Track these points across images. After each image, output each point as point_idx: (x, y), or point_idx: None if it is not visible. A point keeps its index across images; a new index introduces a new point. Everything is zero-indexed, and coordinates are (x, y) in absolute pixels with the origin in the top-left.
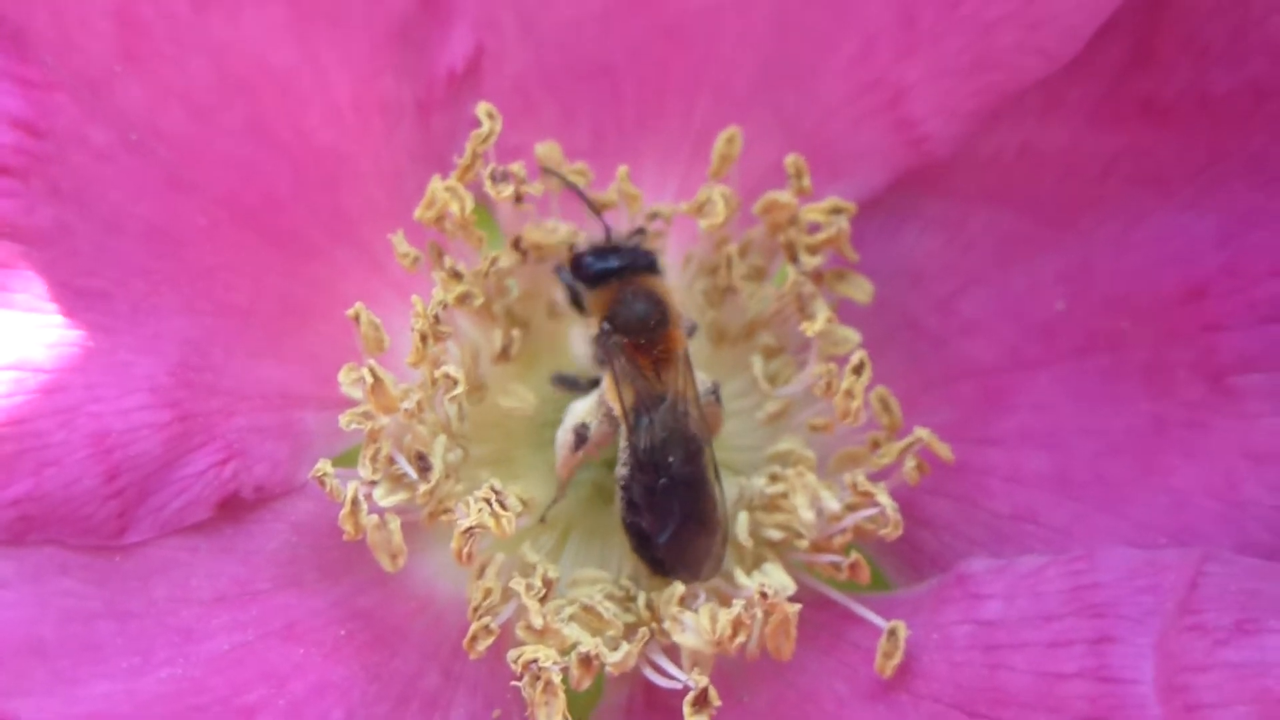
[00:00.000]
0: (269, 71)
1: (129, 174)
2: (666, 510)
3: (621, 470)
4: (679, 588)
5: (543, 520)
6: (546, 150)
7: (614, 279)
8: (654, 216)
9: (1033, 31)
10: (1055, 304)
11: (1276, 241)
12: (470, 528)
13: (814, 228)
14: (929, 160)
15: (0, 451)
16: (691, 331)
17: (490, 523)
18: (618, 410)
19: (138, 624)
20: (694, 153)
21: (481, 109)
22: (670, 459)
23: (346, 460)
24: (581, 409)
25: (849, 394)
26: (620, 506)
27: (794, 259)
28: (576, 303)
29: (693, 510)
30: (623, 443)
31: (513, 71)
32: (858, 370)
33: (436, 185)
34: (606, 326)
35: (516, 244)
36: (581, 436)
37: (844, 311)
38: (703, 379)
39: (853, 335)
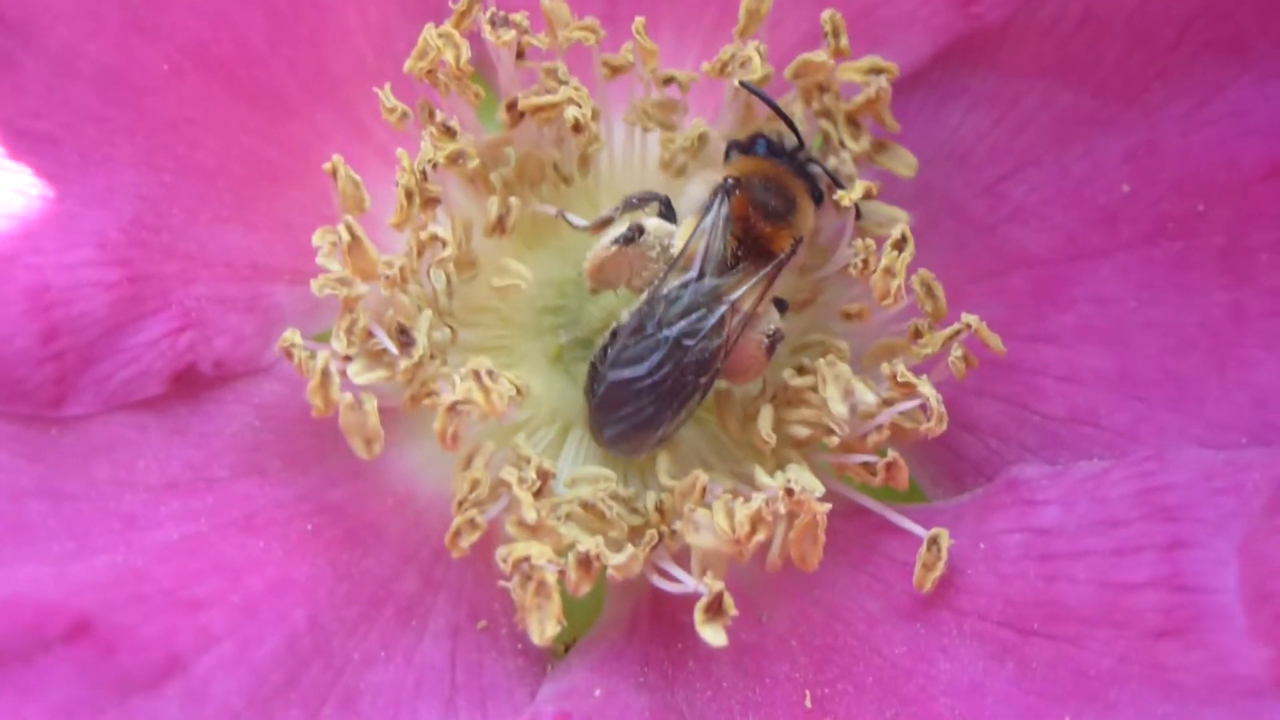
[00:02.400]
0: None
1: (84, 9)
2: (625, 382)
3: (625, 314)
4: (698, 481)
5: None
6: (553, 4)
7: (778, 161)
8: (669, 81)
9: None
10: (1120, 187)
11: None
12: (455, 403)
13: (851, 89)
14: (979, 27)
15: None
16: (782, 310)
17: (479, 397)
18: (678, 245)
19: (74, 506)
20: (718, 17)
21: None
22: (665, 333)
23: (320, 339)
24: (650, 221)
25: (889, 272)
26: (596, 348)
27: (828, 134)
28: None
29: (646, 406)
30: (647, 290)
31: None
32: (899, 245)
33: (430, 32)
34: (731, 181)
35: (513, 106)
36: (633, 236)
37: (884, 195)
38: (772, 321)
39: (899, 213)
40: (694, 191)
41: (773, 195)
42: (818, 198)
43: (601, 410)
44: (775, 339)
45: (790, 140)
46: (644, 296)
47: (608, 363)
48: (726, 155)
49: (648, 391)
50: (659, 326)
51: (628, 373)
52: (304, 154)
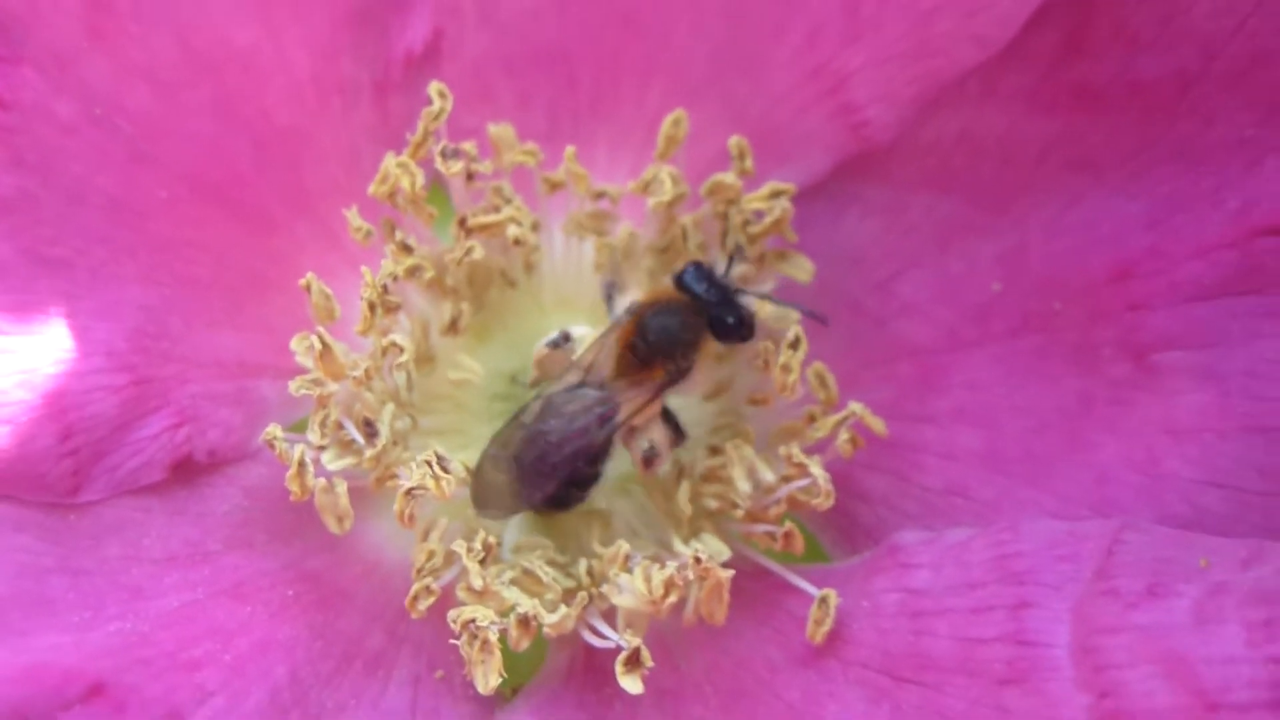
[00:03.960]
0: (232, 51)
1: (92, 147)
2: (491, 458)
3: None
4: (620, 550)
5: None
6: (500, 130)
7: (691, 296)
8: (600, 195)
9: (969, 19)
10: (991, 286)
11: (1198, 224)
12: (411, 489)
13: (759, 215)
14: (870, 146)
15: None
16: (676, 429)
17: (430, 484)
18: (576, 355)
19: (89, 580)
20: (646, 137)
21: (433, 88)
22: (548, 424)
23: (299, 428)
24: (580, 329)
25: (785, 368)
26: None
27: (736, 245)
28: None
29: (512, 480)
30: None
31: (470, 55)
32: (794, 345)
33: (390, 161)
34: (635, 304)
35: (463, 223)
36: (558, 341)
37: (785, 292)
38: (650, 437)
39: (791, 313)
40: (618, 305)
41: (658, 329)
42: (723, 334)
43: (477, 475)
44: (649, 455)
45: (716, 275)
46: (538, 393)
47: (490, 440)
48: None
49: (511, 467)
50: (534, 420)
51: (493, 450)
52: (285, 264)
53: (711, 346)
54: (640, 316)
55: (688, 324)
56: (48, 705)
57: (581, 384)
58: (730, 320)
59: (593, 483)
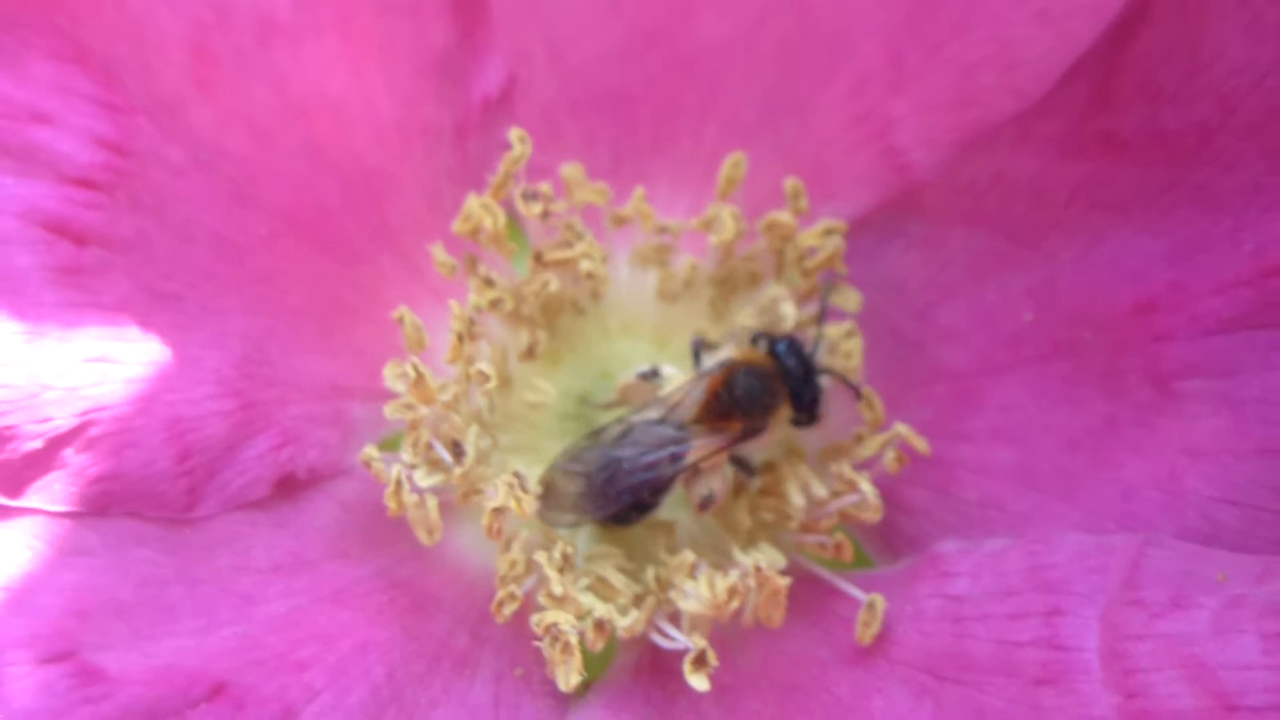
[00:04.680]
0: (324, 99)
1: (199, 189)
2: (565, 472)
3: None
4: (686, 560)
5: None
6: (571, 171)
7: (780, 367)
8: (663, 230)
9: (1007, 74)
10: (1024, 315)
11: (1217, 263)
12: (498, 507)
13: (812, 251)
14: (913, 185)
15: (88, 436)
16: (749, 472)
17: (513, 505)
18: (664, 392)
19: (204, 589)
20: (703, 175)
21: (514, 133)
22: (624, 451)
23: (388, 446)
24: (670, 369)
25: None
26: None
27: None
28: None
29: (583, 496)
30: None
31: (541, 100)
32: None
33: (472, 202)
34: (729, 360)
35: (539, 258)
36: (648, 374)
37: (835, 320)
38: (710, 485)
39: (853, 342)
40: (706, 360)
41: (745, 388)
42: (800, 406)
43: (548, 484)
44: (706, 500)
45: (805, 353)
46: (621, 419)
47: (561, 454)
48: (757, 339)
49: (581, 482)
50: (611, 443)
51: (564, 464)
52: (372, 294)
53: (785, 412)
54: (731, 372)
55: (772, 389)
56: (176, 705)
57: (663, 420)
58: (808, 399)
59: (651, 510)
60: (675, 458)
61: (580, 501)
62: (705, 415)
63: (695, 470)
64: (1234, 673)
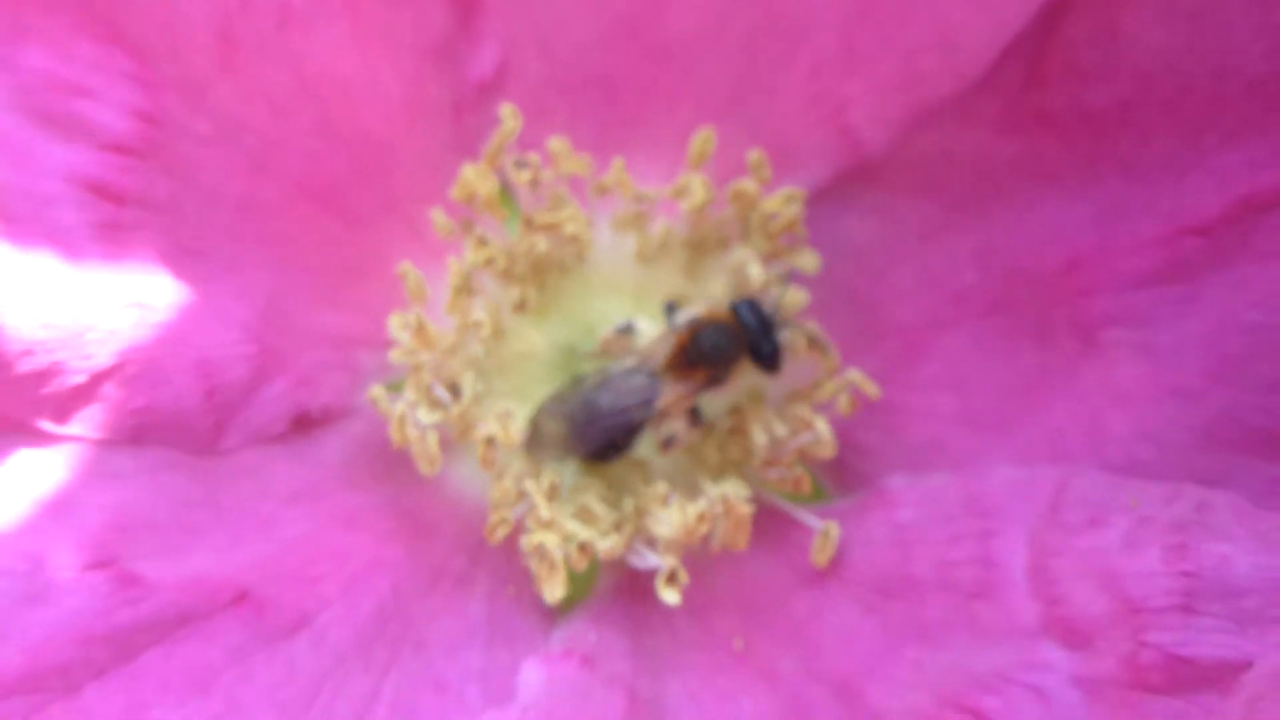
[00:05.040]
0: (335, 78)
1: (224, 158)
2: (549, 410)
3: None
4: (660, 490)
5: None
6: (557, 144)
7: (742, 324)
8: (640, 199)
9: (949, 57)
10: (966, 276)
11: (1136, 225)
12: (490, 436)
13: (774, 216)
14: (867, 158)
15: (126, 373)
16: (695, 422)
17: (500, 434)
18: (638, 345)
19: (229, 513)
20: (677, 148)
21: (505, 109)
22: (602, 395)
23: (393, 389)
24: (644, 323)
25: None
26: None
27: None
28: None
29: (565, 432)
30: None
31: (531, 81)
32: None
33: (468, 170)
34: (696, 318)
35: (529, 222)
36: (626, 329)
37: (796, 280)
38: (672, 428)
39: (801, 297)
40: (679, 316)
41: (708, 342)
42: (759, 361)
43: (534, 423)
44: (668, 440)
45: (765, 312)
46: (600, 368)
47: (547, 398)
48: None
49: (564, 423)
50: (591, 390)
51: (550, 405)
52: (378, 253)
53: (747, 364)
54: (697, 328)
55: (733, 344)
56: (205, 609)
57: (637, 369)
58: (766, 353)
59: (627, 449)
60: (646, 403)
61: (563, 440)
62: (674, 366)
63: (663, 415)
64: (1139, 580)
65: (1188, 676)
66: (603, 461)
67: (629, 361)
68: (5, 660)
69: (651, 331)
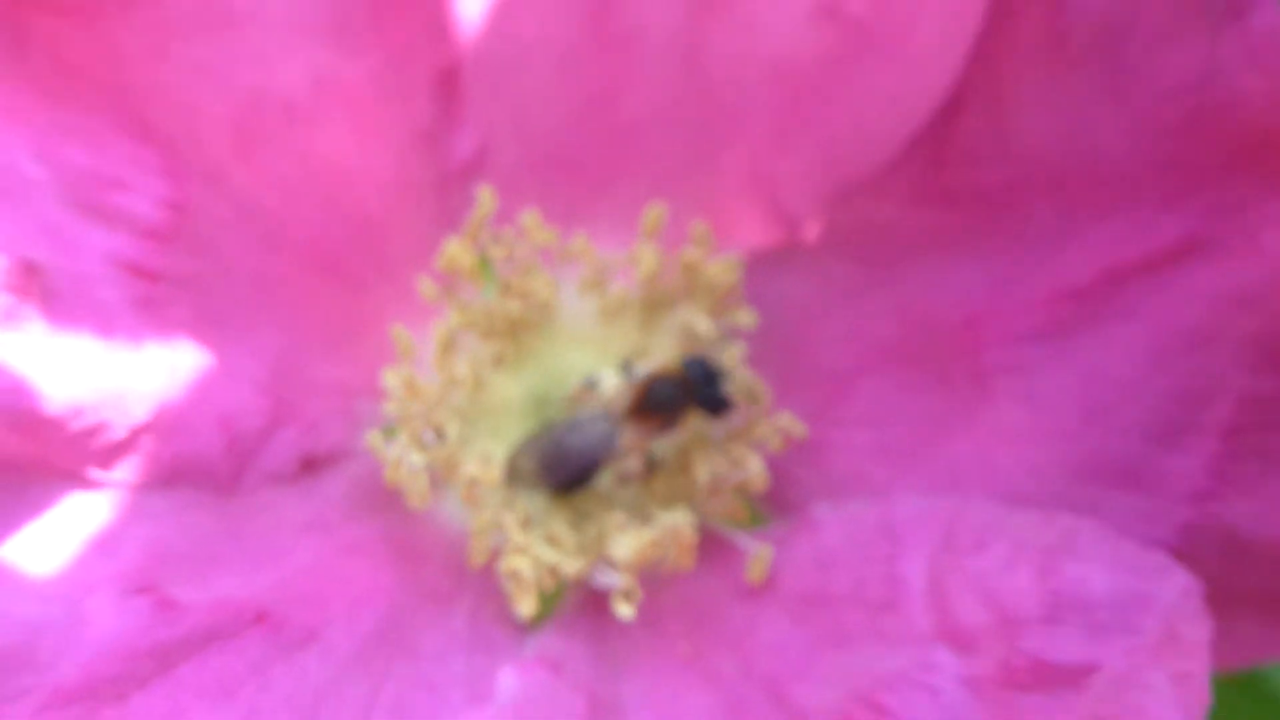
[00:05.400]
0: (336, 165)
1: (240, 236)
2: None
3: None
4: (618, 519)
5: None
6: (529, 218)
7: (691, 378)
8: (601, 266)
9: (864, 143)
10: (884, 328)
11: (1023, 290)
12: (472, 477)
13: (716, 280)
14: (796, 228)
15: (159, 427)
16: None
17: (480, 474)
18: (601, 396)
19: (248, 545)
20: (634, 219)
21: (483, 192)
22: (571, 439)
23: (388, 434)
24: (608, 379)
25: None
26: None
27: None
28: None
29: (540, 470)
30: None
31: (506, 161)
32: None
33: (451, 244)
34: (651, 374)
35: (505, 288)
36: (591, 384)
37: (735, 334)
38: (629, 466)
39: (740, 349)
40: (638, 370)
41: (663, 395)
42: (705, 407)
43: (511, 460)
44: (625, 477)
45: (711, 369)
46: (569, 415)
47: (521, 441)
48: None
49: (535, 461)
50: (560, 433)
51: (525, 446)
52: (374, 315)
53: (696, 413)
54: (651, 383)
55: (683, 396)
56: (232, 627)
57: (600, 416)
58: (713, 405)
59: (590, 483)
60: (608, 446)
61: (536, 475)
62: (632, 414)
63: (623, 454)
64: (1014, 596)
65: (1050, 677)
66: (569, 494)
67: (594, 410)
68: (64, 674)
69: (613, 384)
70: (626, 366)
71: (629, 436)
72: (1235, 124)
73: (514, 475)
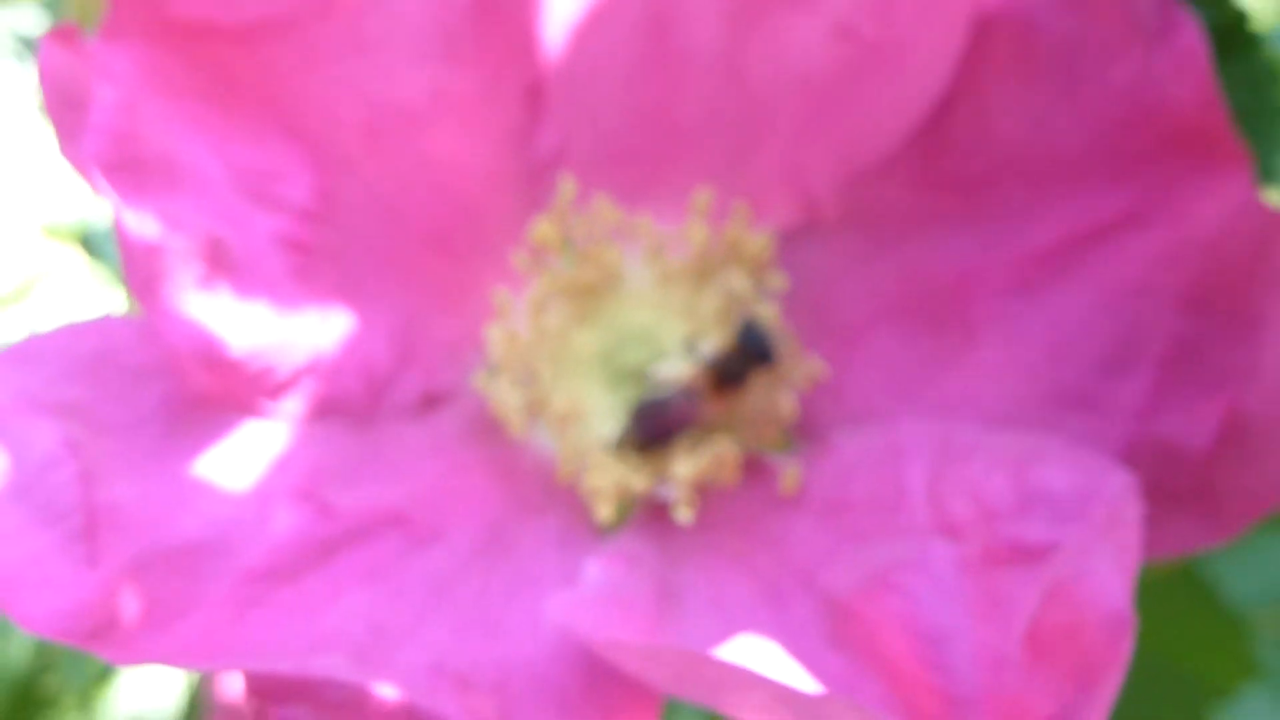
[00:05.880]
0: (445, 158)
1: (369, 217)
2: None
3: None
4: (678, 445)
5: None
6: (601, 201)
7: (744, 342)
8: (660, 239)
9: (874, 137)
10: (889, 288)
11: (1003, 254)
12: (559, 412)
13: (753, 251)
14: (819, 208)
15: (315, 371)
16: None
17: (566, 409)
18: (680, 371)
19: (384, 465)
20: (683, 202)
21: (564, 179)
22: (650, 406)
23: (491, 377)
24: (676, 362)
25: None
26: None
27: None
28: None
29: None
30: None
31: (581, 155)
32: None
33: (541, 223)
34: (716, 349)
35: (584, 258)
36: (670, 368)
37: (769, 296)
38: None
39: (774, 308)
40: (704, 346)
41: (731, 371)
42: (763, 364)
43: (598, 420)
44: (697, 440)
45: (760, 332)
46: (653, 390)
47: (607, 403)
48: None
49: (625, 422)
50: (644, 401)
51: (624, 416)
52: (476, 283)
53: (757, 374)
54: (721, 360)
55: (746, 365)
56: (376, 526)
57: (683, 395)
58: (766, 361)
59: (666, 446)
60: (692, 419)
61: (627, 438)
62: (710, 390)
63: (698, 424)
64: (993, 494)
65: (1022, 555)
66: (650, 450)
67: (676, 390)
68: (252, 560)
69: (685, 367)
70: (691, 347)
71: (709, 407)
72: (1164, 121)
73: (613, 435)
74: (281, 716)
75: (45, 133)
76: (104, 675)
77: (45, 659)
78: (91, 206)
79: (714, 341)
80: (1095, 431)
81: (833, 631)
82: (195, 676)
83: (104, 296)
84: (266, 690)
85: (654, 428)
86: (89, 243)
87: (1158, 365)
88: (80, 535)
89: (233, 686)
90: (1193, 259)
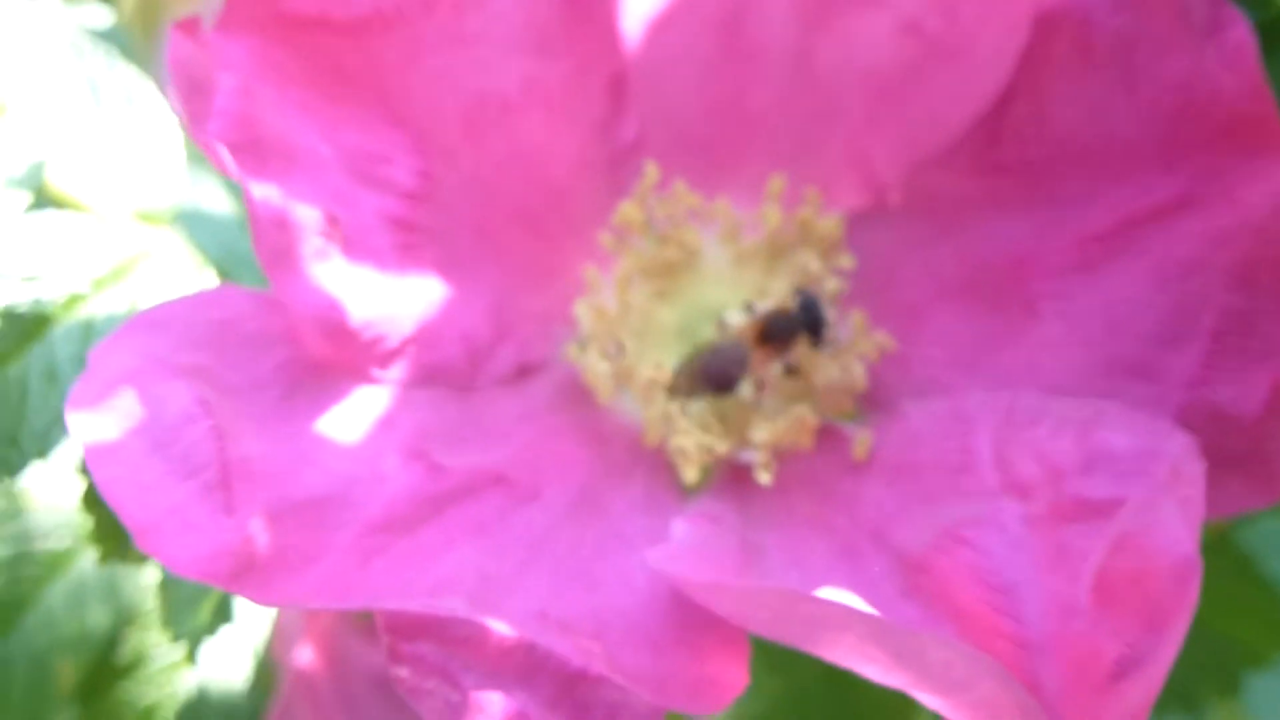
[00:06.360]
0: (535, 146)
1: (467, 199)
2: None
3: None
4: (758, 413)
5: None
6: (679, 186)
7: (798, 307)
8: (735, 222)
9: (936, 127)
10: (949, 269)
11: (1061, 236)
12: (647, 379)
13: (823, 233)
14: (883, 194)
15: (420, 341)
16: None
17: (653, 375)
18: (740, 328)
19: (484, 429)
20: (757, 188)
21: (648, 165)
22: (711, 360)
23: (580, 347)
24: (738, 317)
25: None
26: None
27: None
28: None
29: (686, 385)
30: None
31: (661, 143)
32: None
33: (626, 207)
34: (770, 309)
35: (664, 239)
36: (726, 322)
37: (838, 274)
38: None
39: (842, 285)
40: (759, 307)
41: (777, 326)
42: (814, 332)
43: (675, 374)
44: (760, 385)
45: (815, 301)
46: (712, 342)
47: (679, 359)
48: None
49: (691, 374)
50: (707, 353)
51: (681, 365)
52: (565, 261)
53: (805, 336)
54: (769, 317)
55: (792, 326)
56: (479, 485)
57: (734, 344)
58: (815, 330)
59: (729, 394)
60: (741, 364)
61: (692, 386)
62: (756, 341)
63: (752, 370)
64: (1059, 456)
65: (1087, 511)
66: (719, 397)
67: (730, 337)
68: (371, 512)
69: (740, 319)
70: (749, 306)
71: (756, 356)
72: (1216, 111)
73: (676, 387)
74: (411, 651)
75: (134, 120)
76: (185, 647)
77: (121, 630)
78: (183, 192)
79: (770, 302)
80: (1152, 399)
81: (906, 584)
82: (262, 648)
83: (198, 278)
84: (397, 627)
85: (706, 369)
86: (182, 226)
87: (1210, 337)
88: (217, 485)
89: (303, 654)
90: (1243, 238)
